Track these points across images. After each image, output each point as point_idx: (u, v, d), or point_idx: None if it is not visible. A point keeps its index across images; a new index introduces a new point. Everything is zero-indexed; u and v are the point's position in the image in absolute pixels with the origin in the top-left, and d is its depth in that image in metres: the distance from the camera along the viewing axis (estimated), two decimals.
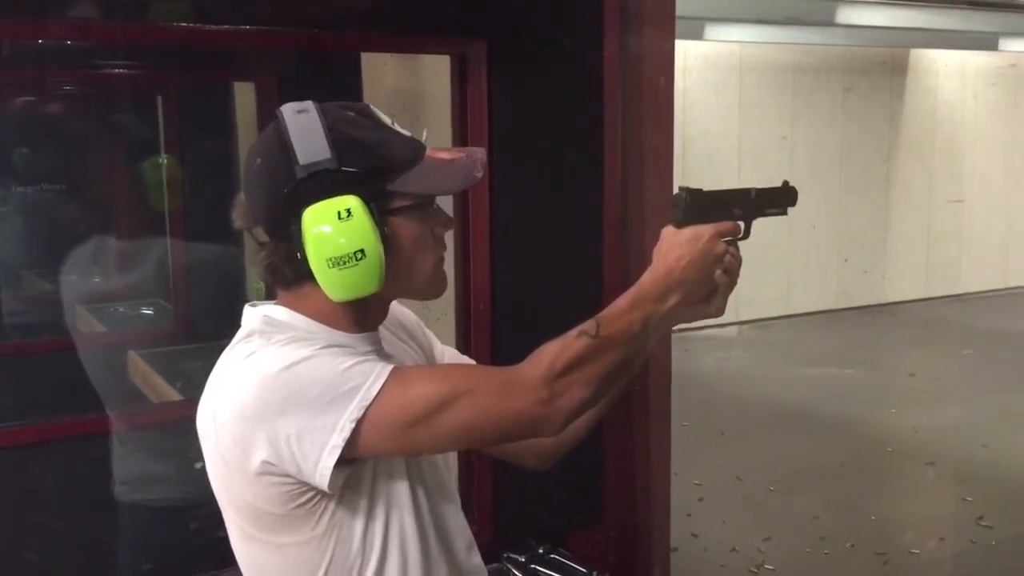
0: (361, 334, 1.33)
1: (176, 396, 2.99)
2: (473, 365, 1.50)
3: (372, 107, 1.32)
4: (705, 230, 1.33)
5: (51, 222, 3.41)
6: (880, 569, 4.42)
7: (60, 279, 2.89)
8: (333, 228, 1.20)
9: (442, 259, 1.36)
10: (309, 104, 1.25)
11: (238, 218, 1.31)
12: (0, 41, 2.34)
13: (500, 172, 1.73)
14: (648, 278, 1.31)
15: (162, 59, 2.87)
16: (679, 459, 2.46)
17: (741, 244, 1.39)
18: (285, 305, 1.31)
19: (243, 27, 1.98)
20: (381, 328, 1.39)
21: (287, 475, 1.21)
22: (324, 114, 1.24)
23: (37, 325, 3.29)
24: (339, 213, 1.20)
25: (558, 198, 2.18)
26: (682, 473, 4.99)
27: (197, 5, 1.95)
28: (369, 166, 1.24)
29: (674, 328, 2.45)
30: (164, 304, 3.50)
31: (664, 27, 2.17)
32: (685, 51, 8.73)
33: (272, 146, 1.25)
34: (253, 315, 1.32)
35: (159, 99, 3.46)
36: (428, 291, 1.36)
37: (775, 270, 9.59)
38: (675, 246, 1.32)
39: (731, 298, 1.40)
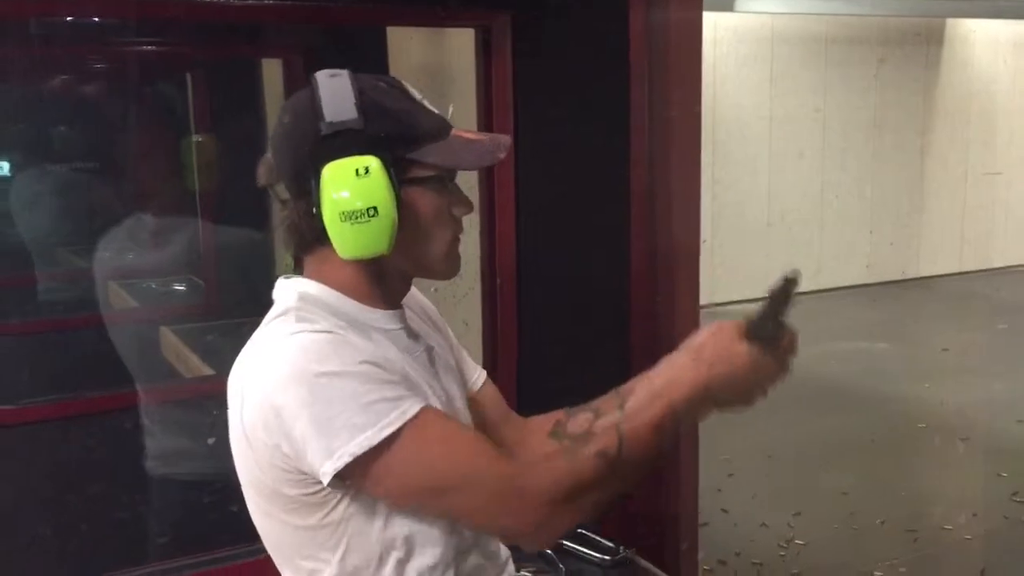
0: (388, 311, 1.34)
1: (208, 371, 3.02)
2: (485, 450, 1.29)
3: (405, 83, 1.34)
4: (771, 369, 1.32)
5: (83, 200, 3.44)
6: (911, 545, 4.39)
7: (93, 256, 2.92)
8: (349, 184, 1.21)
9: (458, 240, 1.36)
10: (344, 71, 1.27)
11: (263, 175, 1.33)
12: (27, 19, 2.35)
13: (525, 146, 1.72)
14: (687, 386, 1.30)
15: (190, 35, 2.88)
16: (708, 435, 2.44)
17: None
18: (314, 277, 1.32)
19: (269, 1, 1.98)
20: (407, 311, 1.40)
21: (299, 468, 1.22)
22: (356, 80, 1.26)
23: (71, 301, 3.33)
24: (357, 170, 1.21)
25: (584, 172, 2.16)
26: (712, 449, 4.98)
27: None
28: (393, 132, 1.25)
29: (701, 304, 2.44)
30: (196, 280, 3.53)
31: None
32: (715, 23, 8.63)
33: (302, 104, 1.27)
34: (287, 291, 1.32)
35: (188, 76, 3.47)
36: (441, 269, 1.36)
37: (805, 244, 9.51)
38: (729, 362, 1.31)
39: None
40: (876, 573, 4.12)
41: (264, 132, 3.22)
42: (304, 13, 2.07)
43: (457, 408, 1.42)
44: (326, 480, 1.19)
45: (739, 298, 8.94)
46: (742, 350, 1.31)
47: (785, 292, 1.34)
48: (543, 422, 1.53)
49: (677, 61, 2.06)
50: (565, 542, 2.14)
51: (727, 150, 8.79)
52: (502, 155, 1.35)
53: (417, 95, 1.33)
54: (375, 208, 1.21)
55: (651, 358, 2.17)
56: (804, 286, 1.32)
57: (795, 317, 1.32)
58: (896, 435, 5.86)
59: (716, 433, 5.30)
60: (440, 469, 1.22)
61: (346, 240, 1.23)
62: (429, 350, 1.41)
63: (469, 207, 1.37)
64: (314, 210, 1.24)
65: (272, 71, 3.16)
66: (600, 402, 1.48)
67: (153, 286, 3.38)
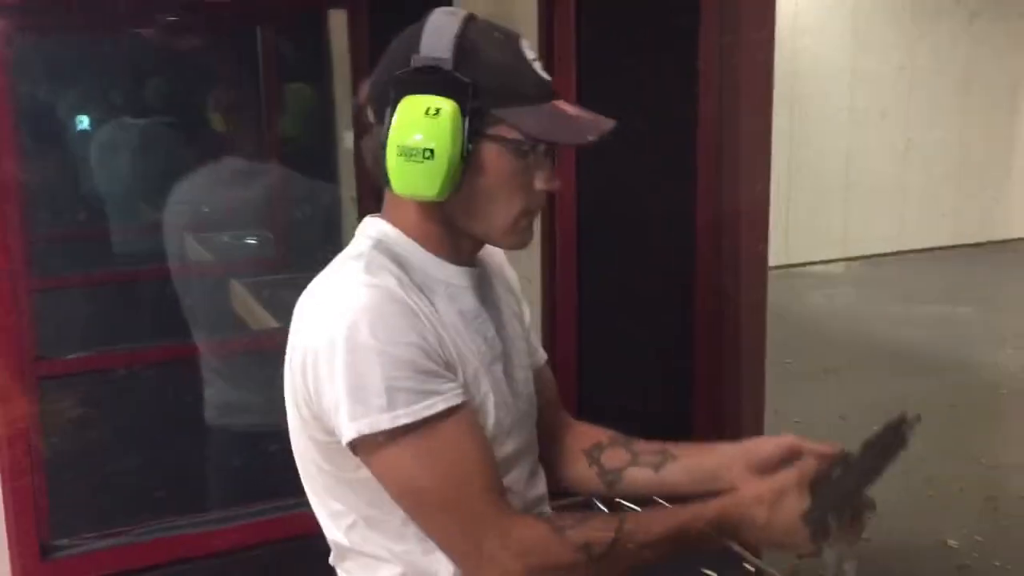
0: (459, 267, 1.32)
1: (275, 324, 3.05)
2: (487, 485, 1.25)
3: (524, 41, 1.29)
4: (806, 548, 1.25)
5: (159, 154, 3.49)
6: (989, 514, 4.29)
7: (168, 209, 2.95)
8: (415, 121, 1.20)
9: (532, 213, 1.31)
10: (462, 12, 1.25)
11: (359, 103, 1.32)
12: None
13: (587, 93, 1.66)
14: (714, 509, 1.25)
15: None
16: (781, 397, 2.39)
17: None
18: (389, 218, 1.32)
19: None
20: (483, 272, 1.38)
21: (324, 421, 1.23)
22: (466, 23, 1.24)
23: (145, 254, 3.39)
24: (428, 109, 1.20)
25: (649, 125, 2.10)
26: (783, 411, 4.90)
27: None
28: (482, 82, 1.21)
29: (774, 265, 2.36)
30: (267, 234, 3.56)
31: None
32: None
33: (407, 35, 1.26)
34: (367, 231, 1.32)
35: (258, 29, 3.47)
36: (503, 238, 1.31)
37: (887, 205, 9.25)
38: (774, 507, 1.25)
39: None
40: (951, 541, 4.03)
41: (330, 82, 3.23)
42: None
43: (517, 378, 1.39)
44: (344, 442, 1.20)
45: (813, 259, 8.76)
46: (791, 508, 1.25)
47: (888, 448, 1.20)
48: (586, 433, 1.53)
49: (750, 5, 1.98)
50: (622, 500, 2.11)
51: (806, 107, 8.56)
52: (594, 138, 1.27)
53: (530, 55, 1.27)
54: (432, 150, 1.19)
55: (715, 320, 2.12)
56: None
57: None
58: (976, 401, 5.71)
59: (789, 395, 5.22)
60: (432, 480, 1.20)
61: (397, 174, 1.22)
62: (498, 314, 1.38)
63: (551, 184, 1.30)
64: (384, 139, 1.23)
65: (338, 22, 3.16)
66: (643, 447, 1.48)
67: (226, 239, 3.42)
